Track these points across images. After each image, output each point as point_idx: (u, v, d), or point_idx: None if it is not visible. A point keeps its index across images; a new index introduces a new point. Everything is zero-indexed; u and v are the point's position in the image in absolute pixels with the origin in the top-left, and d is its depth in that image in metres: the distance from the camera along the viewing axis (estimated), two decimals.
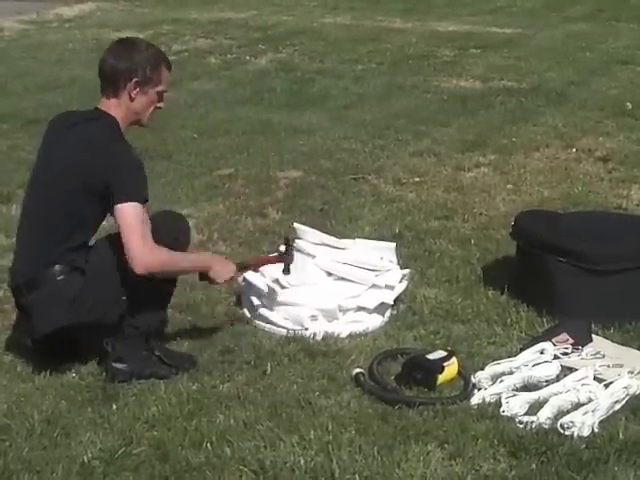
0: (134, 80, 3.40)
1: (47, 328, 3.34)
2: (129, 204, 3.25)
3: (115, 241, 3.31)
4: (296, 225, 4.31)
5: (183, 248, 3.54)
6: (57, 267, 3.35)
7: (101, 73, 3.45)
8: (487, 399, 3.28)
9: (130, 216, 3.24)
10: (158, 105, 3.52)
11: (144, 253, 3.23)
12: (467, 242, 4.84)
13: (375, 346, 3.72)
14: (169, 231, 3.47)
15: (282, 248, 4.00)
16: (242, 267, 3.86)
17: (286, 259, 3.97)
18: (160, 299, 3.53)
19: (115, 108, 3.43)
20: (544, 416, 3.14)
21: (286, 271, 3.95)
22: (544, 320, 3.91)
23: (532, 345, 3.64)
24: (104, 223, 3.53)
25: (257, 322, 3.91)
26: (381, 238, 4.56)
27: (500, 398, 3.26)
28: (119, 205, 3.24)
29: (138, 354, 3.44)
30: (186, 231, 3.66)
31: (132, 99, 3.42)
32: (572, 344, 3.66)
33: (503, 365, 3.50)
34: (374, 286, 3.98)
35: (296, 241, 4.15)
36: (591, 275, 3.92)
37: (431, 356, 3.46)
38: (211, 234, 5.00)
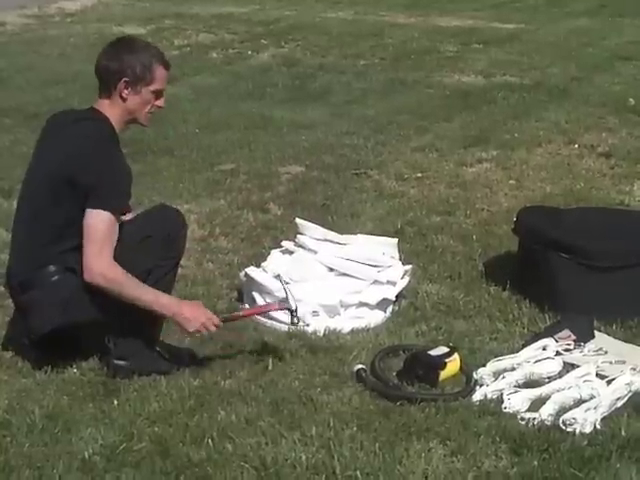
0: (123, 80, 3.39)
1: (43, 328, 3.33)
2: (98, 212, 3.24)
3: None
4: (298, 220, 4.30)
5: (177, 245, 3.51)
6: (51, 268, 3.33)
7: (96, 74, 3.46)
8: (489, 395, 3.28)
9: (97, 225, 3.23)
10: (156, 104, 3.50)
11: (96, 264, 3.22)
12: (469, 238, 4.83)
13: (377, 342, 3.71)
14: (162, 227, 3.46)
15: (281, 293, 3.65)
16: (227, 319, 3.56)
17: (283, 305, 3.61)
18: None
19: (109, 108, 3.42)
20: (546, 413, 3.13)
21: (294, 321, 3.59)
22: (546, 316, 3.91)
23: (534, 341, 3.63)
24: None
25: (259, 318, 3.90)
26: (383, 234, 4.55)
27: (502, 395, 3.26)
28: (90, 210, 3.24)
29: (139, 351, 3.43)
30: (179, 228, 3.56)
31: (124, 99, 3.41)
32: (574, 340, 3.65)
33: (505, 361, 3.49)
34: (376, 282, 3.98)
35: (298, 237, 4.14)
36: (593, 271, 3.91)
37: (433, 352, 3.45)
38: (213, 229, 4.99)
